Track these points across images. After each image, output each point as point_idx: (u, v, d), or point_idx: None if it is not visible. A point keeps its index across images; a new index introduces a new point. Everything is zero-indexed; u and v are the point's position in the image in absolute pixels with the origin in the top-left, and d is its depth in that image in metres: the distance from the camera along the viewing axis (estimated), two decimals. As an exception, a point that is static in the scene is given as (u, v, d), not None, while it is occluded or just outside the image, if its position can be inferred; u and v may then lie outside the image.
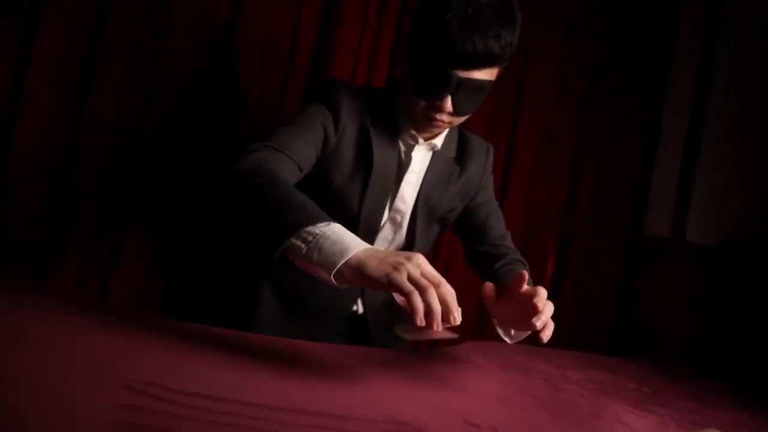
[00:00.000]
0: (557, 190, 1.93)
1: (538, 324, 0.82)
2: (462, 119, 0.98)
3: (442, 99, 0.91)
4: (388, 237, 1.11)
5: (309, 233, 0.69)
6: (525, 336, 0.97)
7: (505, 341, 1.01)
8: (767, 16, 1.88)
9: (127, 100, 1.32)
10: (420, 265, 0.67)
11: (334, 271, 0.67)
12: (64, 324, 0.71)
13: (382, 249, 0.90)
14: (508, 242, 1.16)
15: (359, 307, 1.15)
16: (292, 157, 0.92)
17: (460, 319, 0.67)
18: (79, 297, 1.32)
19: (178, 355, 0.68)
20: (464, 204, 1.16)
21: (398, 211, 1.08)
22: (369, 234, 1.04)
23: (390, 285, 0.65)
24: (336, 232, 0.70)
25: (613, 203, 2.00)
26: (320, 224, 0.70)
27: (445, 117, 0.94)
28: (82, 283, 1.32)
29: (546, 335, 0.85)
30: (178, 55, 1.36)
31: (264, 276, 1.12)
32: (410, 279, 0.65)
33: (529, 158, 1.87)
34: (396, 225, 1.09)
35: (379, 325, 1.14)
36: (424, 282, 0.65)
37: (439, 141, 1.06)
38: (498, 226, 1.17)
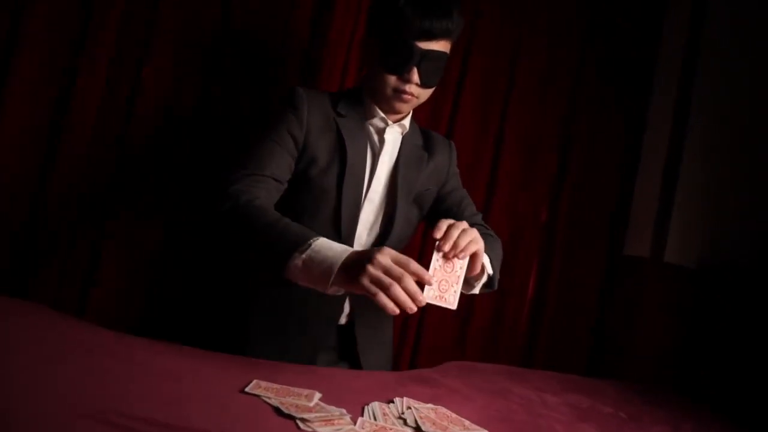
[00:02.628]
0: (539, 209, 1.94)
1: (437, 234, 0.87)
2: (426, 93, 1.11)
3: (410, 70, 1.04)
4: (370, 219, 1.14)
5: (298, 260, 0.83)
6: (483, 278, 1.01)
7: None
8: (747, 41, 1.93)
9: (108, 106, 1.32)
10: (381, 263, 0.79)
11: (329, 288, 0.82)
12: (35, 346, 0.69)
13: (364, 239, 1.11)
14: (482, 221, 1.24)
15: (345, 317, 1.15)
16: (269, 176, 1.02)
17: (425, 301, 0.82)
18: (57, 308, 1.29)
19: (151, 382, 0.67)
20: (437, 188, 1.24)
21: (377, 192, 1.13)
22: (352, 219, 1.09)
23: (361, 290, 0.78)
24: (319, 251, 0.83)
25: (594, 223, 2.02)
26: (303, 249, 0.83)
27: (413, 88, 1.06)
28: (60, 293, 1.30)
29: (447, 246, 0.86)
30: (163, 57, 1.35)
31: (250, 296, 1.15)
32: (372, 281, 0.78)
33: (511, 177, 1.88)
34: (376, 206, 1.13)
35: (365, 335, 1.16)
36: (386, 281, 0.77)
37: (406, 122, 1.17)
38: (471, 208, 1.25)
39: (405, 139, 1.18)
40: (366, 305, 1.13)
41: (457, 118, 1.76)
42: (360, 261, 0.80)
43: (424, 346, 1.75)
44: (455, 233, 0.87)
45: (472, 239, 0.88)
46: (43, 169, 1.28)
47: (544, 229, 1.96)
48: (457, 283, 0.87)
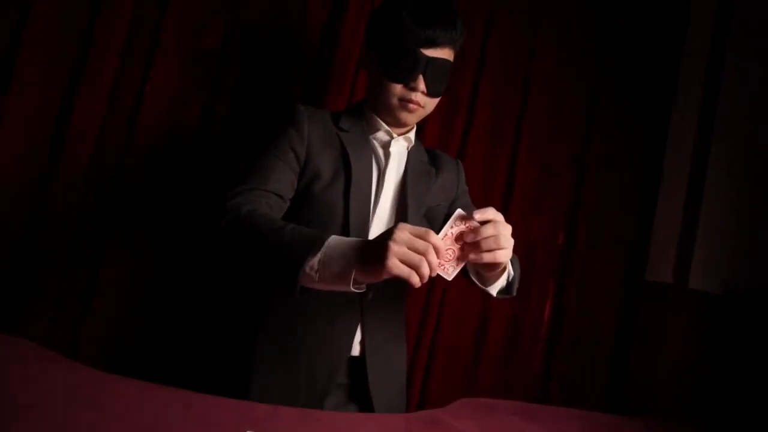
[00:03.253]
0: (555, 232, 1.87)
1: (477, 216, 0.84)
2: (432, 103, 1.09)
3: (416, 78, 1.03)
4: (381, 229, 1.09)
5: (313, 261, 0.80)
6: (501, 282, 1.00)
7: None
8: None
9: (109, 124, 1.28)
10: (404, 239, 0.77)
11: (351, 285, 0.79)
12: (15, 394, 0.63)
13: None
14: None
15: (357, 346, 1.08)
16: (272, 191, 0.99)
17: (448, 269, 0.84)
18: (50, 336, 1.23)
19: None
20: (447, 204, 1.20)
21: (385, 207, 1.10)
22: (360, 235, 1.05)
23: (393, 275, 0.76)
24: (335, 247, 0.81)
25: (613, 246, 1.94)
26: (317, 248, 0.80)
27: (420, 97, 1.04)
28: (55, 320, 1.24)
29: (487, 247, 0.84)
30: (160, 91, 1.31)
31: (256, 326, 1.08)
32: (402, 260, 0.76)
33: (526, 197, 1.81)
34: (385, 222, 1.10)
35: (378, 367, 1.09)
36: (416, 258, 0.76)
37: (412, 135, 1.15)
38: None
39: (411, 154, 1.15)
40: (379, 330, 1.08)
41: (469, 139, 1.70)
42: (381, 242, 0.78)
43: (436, 370, 1.67)
44: (495, 216, 0.85)
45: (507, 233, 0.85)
46: (42, 187, 1.23)
47: (561, 252, 1.88)
48: (462, 258, 0.85)
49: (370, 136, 1.12)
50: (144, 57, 1.29)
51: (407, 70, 1.03)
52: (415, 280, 0.77)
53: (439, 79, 1.05)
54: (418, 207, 1.11)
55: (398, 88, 1.05)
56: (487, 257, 0.84)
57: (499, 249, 0.84)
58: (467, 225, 0.84)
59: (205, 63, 1.35)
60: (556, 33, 1.84)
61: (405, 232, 0.78)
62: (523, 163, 1.79)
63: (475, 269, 1.00)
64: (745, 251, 1.87)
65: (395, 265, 0.76)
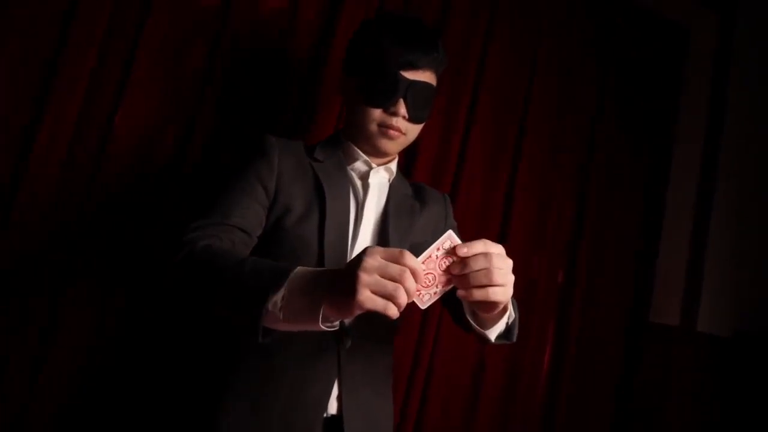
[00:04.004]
0: (554, 270, 1.77)
1: (462, 251, 0.74)
2: (414, 130, 1.02)
3: (396, 102, 0.97)
4: None
5: (276, 297, 0.70)
6: (500, 325, 0.90)
7: None
8: None
9: (74, 158, 1.17)
10: (375, 266, 0.67)
11: (321, 323, 0.69)
12: None
13: None
14: None
15: (333, 403, 0.94)
16: (236, 226, 0.91)
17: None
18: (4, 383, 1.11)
19: None
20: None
21: (365, 242, 1.01)
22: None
23: (365, 310, 0.67)
24: (300, 279, 0.71)
25: (615, 286, 1.84)
26: (280, 282, 0.70)
27: (401, 123, 0.98)
28: (8, 366, 1.11)
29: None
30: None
31: (224, 379, 0.94)
32: (375, 291, 0.66)
33: (524, 236, 1.72)
34: None
35: (358, 428, 0.94)
36: (391, 287, 0.67)
37: (393, 166, 1.08)
38: None
39: (393, 186, 1.08)
40: (360, 384, 0.95)
41: (464, 169, 1.61)
42: (349, 273, 0.67)
43: (429, 419, 1.54)
44: (486, 248, 0.75)
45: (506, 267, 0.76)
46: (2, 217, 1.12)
47: (561, 292, 1.78)
48: (442, 286, 0.75)
49: (348, 167, 1.04)
50: (117, 76, 1.20)
51: (387, 93, 0.97)
52: (392, 312, 0.68)
53: (421, 103, 0.99)
54: (401, 242, 1.01)
55: (377, 114, 0.98)
56: (477, 294, 0.74)
57: (491, 285, 0.74)
58: (458, 253, 0.74)
59: (185, 84, 1.26)
60: (556, 59, 1.79)
61: (376, 258, 0.68)
62: (522, 197, 1.71)
63: (471, 309, 0.89)
64: (755, 292, 1.79)
65: (367, 299, 0.66)
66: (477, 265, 0.73)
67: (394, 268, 0.67)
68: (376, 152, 1.04)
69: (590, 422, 1.81)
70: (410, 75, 0.97)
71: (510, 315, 0.91)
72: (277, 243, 0.95)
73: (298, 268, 0.73)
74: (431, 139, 1.55)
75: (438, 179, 1.55)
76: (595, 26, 1.87)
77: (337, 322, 0.72)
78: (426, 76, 1.00)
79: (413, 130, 1.03)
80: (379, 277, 0.67)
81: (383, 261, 0.68)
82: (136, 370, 1.20)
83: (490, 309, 0.81)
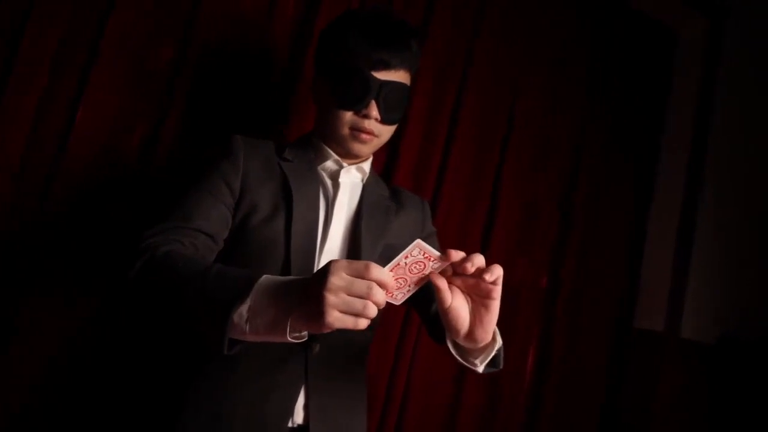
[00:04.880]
0: (538, 275, 1.74)
1: (488, 277, 0.70)
2: (388, 132, 0.99)
3: (368, 104, 0.93)
4: None
5: (242, 308, 0.67)
6: (490, 352, 0.83)
7: None
8: (763, 102, 1.80)
9: (32, 154, 1.10)
10: (340, 285, 0.64)
11: (289, 335, 0.66)
12: None
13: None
14: None
15: (299, 412, 0.90)
16: (198, 229, 0.87)
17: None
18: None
19: None
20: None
21: (335, 243, 0.97)
22: (304, 273, 0.90)
23: (335, 329, 0.65)
24: (265, 290, 0.68)
25: (600, 291, 1.82)
26: (246, 292, 0.67)
27: (373, 125, 0.95)
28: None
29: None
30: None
31: (185, 387, 0.90)
32: (343, 310, 0.64)
33: (509, 238, 1.68)
34: (335, 258, 0.94)
35: None
36: (359, 305, 0.64)
37: (366, 166, 1.04)
38: None
39: (368, 187, 1.04)
40: (329, 393, 0.91)
41: (446, 175, 1.56)
42: (315, 293, 0.64)
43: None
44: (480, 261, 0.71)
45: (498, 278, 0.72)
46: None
47: (545, 297, 1.75)
48: (415, 285, 0.73)
49: (318, 167, 1.01)
50: (77, 75, 1.14)
51: (358, 95, 0.92)
52: (362, 326, 0.66)
53: (394, 104, 0.95)
54: (373, 242, 0.97)
55: (348, 116, 0.95)
56: (494, 307, 0.73)
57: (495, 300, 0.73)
58: (427, 258, 0.70)
59: (150, 85, 1.20)
60: (543, 67, 1.75)
61: (341, 275, 0.64)
62: (506, 201, 1.67)
63: (452, 340, 0.83)
64: (740, 299, 1.77)
65: (336, 319, 0.64)
66: (496, 272, 0.71)
67: (360, 285, 0.64)
68: (348, 154, 1.00)
69: (575, 430, 1.78)
70: (382, 75, 0.93)
71: (498, 341, 0.85)
72: (244, 243, 0.91)
73: (264, 277, 0.69)
74: (413, 142, 1.50)
75: (420, 183, 1.50)
76: (585, 27, 1.84)
77: (306, 334, 0.69)
78: (399, 76, 0.95)
79: (386, 132, 0.99)
80: (345, 296, 0.64)
81: (348, 278, 0.64)
82: (96, 380, 1.14)
83: (476, 339, 0.76)
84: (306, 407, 0.89)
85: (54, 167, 1.12)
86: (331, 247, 0.95)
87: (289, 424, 0.88)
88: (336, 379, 0.93)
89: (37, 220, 1.11)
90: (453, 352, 0.85)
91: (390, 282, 0.67)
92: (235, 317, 0.67)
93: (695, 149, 1.84)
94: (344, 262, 0.66)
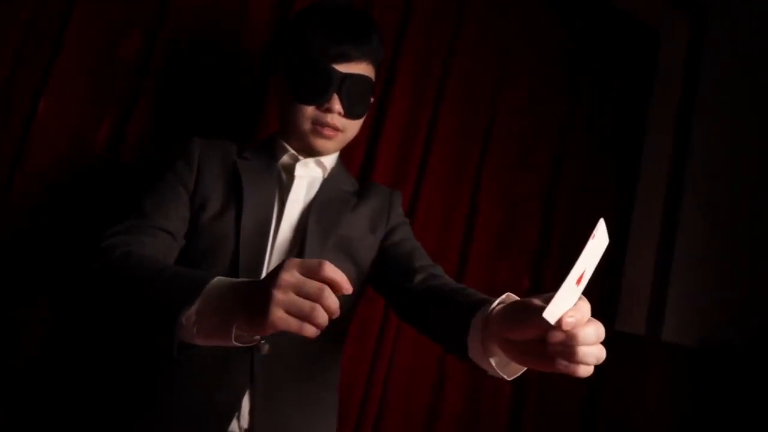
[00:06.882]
0: (520, 277, 1.71)
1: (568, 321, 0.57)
2: (353, 127, 0.97)
3: (330, 97, 0.91)
4: (278, 260, 0.92)
5: (190, 312, 0.65)
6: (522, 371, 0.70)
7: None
8: (744, 98, 1.80)
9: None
10: (290, 282, 0.61)
11: (234, 340, 0.64)
12: None
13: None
14: (443, 273, 0.96)
15: (244, 420, 0.86)
16: (158, 227, 0.87)
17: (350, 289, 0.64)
18: None
19: None
20: (377, 238, 1.02)
21: (285, 237, 0.94)
22: (253, 268, 0.90)
23: (279, 330, 0.61)
24: (213, 293, 0.66)
25: (582, 294, 1.79)
26: (194, 296, 0.65)
27: (336, 119, 0.93)
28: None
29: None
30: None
31: (127, 399, 0.90)
32: (290, 311, 0.61)
33: (489, 239, 1.66)
34: (285, 253, 0.93)
35: None
36: (307, 307, 0.61)
37: (327, 161, 1.01)
38: (425, 259, 1.00)
39: (328, 180, 1.01)
40: (280, 397, 0.88)
41: (426, 174, 1.53)
42: (263, 289, 0.62)
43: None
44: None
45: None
46: None
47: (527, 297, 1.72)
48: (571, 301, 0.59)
49: (277, 164, 0.99)
50: (41, 65, 1.08)
51: (319, 89, 0.90)
52: (309, 332, 0.61)
53: (357, 98, 0.93)
54: (322, 235, 0.94)
55: (310, 111, 0.92)
56: (583, 371, 0.59)
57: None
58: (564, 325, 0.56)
59: (118, 76, 1.15)
60: (525, 66, 1.72)
61: (293, 273, 0.61)
62: (487, 202, 1.64)
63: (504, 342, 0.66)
64: (721, 301, 1.77)
65: (279, 319, 0.60)
66: (590, 337, 0.58)
67: (311, 286, 0.61)
68: (311, 151, 0.98)
69: (558, 429, 1.76)
70: (343, 68, 0.91)
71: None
72: (195, 240, 0.91)
73: (215, 279, 0.68)
74: (392, 142, 1.47)
75: (399, 184, 1.46)
76: (567, 28, 1.82)
77: (256, 338, 0.68)
78: (361, 68, 0.93)
79: (352, 127, 0.97)
80: (294, 296, 0.61)
81: (300, 277, 0.61)
82: (49, 381, 1.09)
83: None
84: (252, 413, 0.86)
85: (17, 159, 1.07)
86: (282, 242, 0.93)
87: (236, 429, 0.85)
88: (290, 383, 0.90)
89: (0, 211, 1.06)
90: (492, 363, 0.70)
91: (344, 283, 0.63)
92: (184, 320, 0.65)
93: (677, 151, 1.84)
94: (298, 261, 0.63)
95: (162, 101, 1.19)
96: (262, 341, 0.86)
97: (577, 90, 1.83)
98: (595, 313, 1.71)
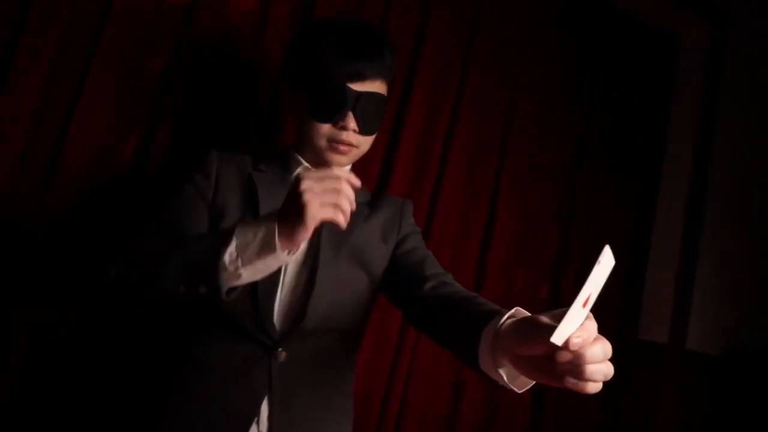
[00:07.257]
0: (538, 285, 1.70)
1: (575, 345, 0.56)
2: (367, 142, 0.99)
3: (345, 116, 0.93)
4: (291, 278, 0.94)
5: (230, 249, 0.72)
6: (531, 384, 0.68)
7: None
8: (763, 108, 1.77)
9: (28, 164, 1.10)
10: (313, 184, 0.70)
11: (279, 250, 0.72)
12: None
13: (286, 302, 0.92)
14: (452, 281, 0.96)
15: (263, 425, 0.88)
16: (177, 235, 0.88)
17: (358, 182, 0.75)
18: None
19: None
20: (388, 248, 1.03)
21: (300, 248, 0.90)
22: (270, 275, 0.86)
23: (319, 221, 0.71)
24: (246, 227, 0.74)
25: (604, 301, 1.77)
26: (228, 236, 0.73)
27: (351, 137, 0.94)
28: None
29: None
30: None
31: (146, 406, 0.93)
32: (325, 200, 0.71)
33: (508, 247, 1.66)
34: (299, 263, 0.95)
35: None
36: (334, 196, 0.71)
37: (340, 172, 0.98)
38: (436, 267, 1.00)
39: None
40: (298, 405, 0.89)
41: (443, 185, 1.54)
42: (293, 193, 0.72)
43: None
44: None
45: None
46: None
47: (546, 308, 1.71)
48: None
49: (291, 176, 1.01)
50: (74, 80, 1.13)
51: (334, 107, 0.93)
52: (342, 220, 0.72)
53: (371, 115, 0.96)
54: (335, 245, 0.96)
55: (326, 128, 0.94)
56: (591, 388, 0.58)
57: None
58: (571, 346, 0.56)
59: (144, 93, 1.19)
60: (540, 78, 1.73)
61: (310, 176, 0.72)
62: (505, 210, 1.64)
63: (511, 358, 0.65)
64: (745, 310, 1.73)
65: (318, 210, 0.70)
66: (597, 355, 0.56)
67: (330, 180, 0.71)
68: (325, 165, 0.99)
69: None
70: (358, 86, 0.93)
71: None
72: None
73: (241, 220, 0.76)
74: (408, 153, 1.48)
75: (416, 194, 1.48)
76: (584, 37, 1.82)
77: (299, 247, 0.75)
78: (375, 86, 0.95)
79: (366, 142, 0.99)
80: (320, 189, 0.70)
81: (317, 176, 0.71)
82: (71, 381, 1.13)
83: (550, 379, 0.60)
84: (270, 419, 0.88)
85: (51, 172, 1.12)
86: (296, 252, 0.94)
87: None
88: (306, 389, 0.91)
89: (36, 221, 1.11)
90: (502, 373, 0.68)
91: (352, 178, 0.73)
92: (227, 259, 0.72)
93: (698, 160, 1.81)
94: (310, 173, 0.72)
95: (185, 115, 1.23)
96: (278, 349, 0.87)
97: (596, 100, 1.83)
98: (617, 323, 1.70)
